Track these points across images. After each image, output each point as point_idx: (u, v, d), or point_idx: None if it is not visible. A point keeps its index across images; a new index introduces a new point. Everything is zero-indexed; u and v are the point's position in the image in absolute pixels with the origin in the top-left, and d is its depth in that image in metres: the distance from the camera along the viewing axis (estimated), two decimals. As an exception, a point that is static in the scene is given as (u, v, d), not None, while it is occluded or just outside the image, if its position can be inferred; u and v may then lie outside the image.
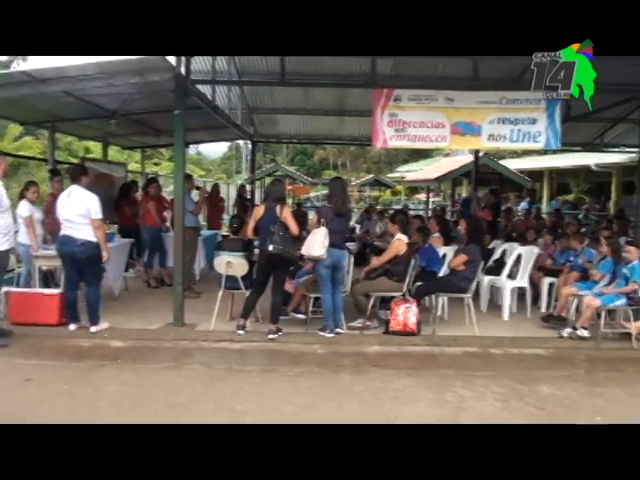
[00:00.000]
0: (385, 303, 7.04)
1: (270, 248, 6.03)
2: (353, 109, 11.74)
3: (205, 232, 10.64)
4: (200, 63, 8.62)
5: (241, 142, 28.34)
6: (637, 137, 7.72)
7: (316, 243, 6.19)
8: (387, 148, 18.47)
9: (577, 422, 4.39)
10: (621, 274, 6.74)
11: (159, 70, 6.39)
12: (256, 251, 6.80)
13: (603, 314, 6.54)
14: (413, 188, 32.67)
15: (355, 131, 14.29)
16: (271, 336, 6.29)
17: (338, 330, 6.52)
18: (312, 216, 6.79)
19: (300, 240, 6.42)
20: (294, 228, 6.23)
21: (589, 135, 14.05)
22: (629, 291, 6.60)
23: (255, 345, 6.15)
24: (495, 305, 7.98)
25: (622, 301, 6.63)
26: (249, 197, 15.02)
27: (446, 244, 8.29)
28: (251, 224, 6.43)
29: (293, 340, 6.33)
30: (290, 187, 28.23)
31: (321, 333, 6.44)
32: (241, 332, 6.39)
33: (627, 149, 14.27)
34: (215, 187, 12.77)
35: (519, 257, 7.90)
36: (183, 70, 6.84)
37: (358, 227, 14.22)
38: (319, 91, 10.56)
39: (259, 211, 6.42)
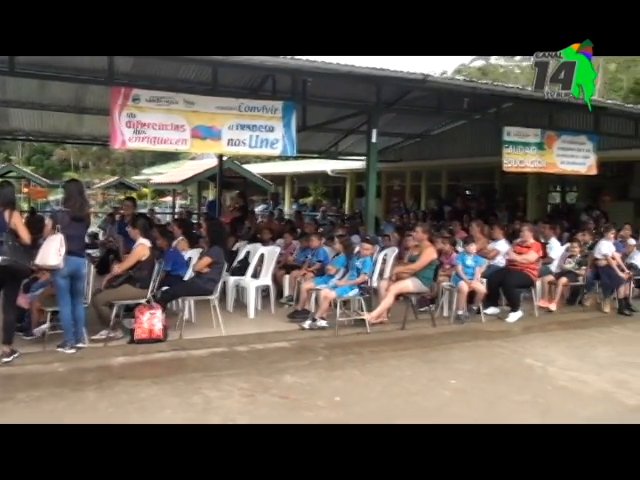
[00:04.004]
0: (130, 311, 6.80)
1: (-2, 260, 5.39)
2: (93, 107, 11.11)
3: None
4: None
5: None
6: (365, 147, 8.58)
7: (51, 251, 5.67)
8: (132, 150, 17.92)
9: (318, 405, 4.76)
10: (354, 267, 7.43)
11: None
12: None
13: (339, 304, 7.13)
14: (160, 191, 32.04)
15: (96, 130, 13.51)
16: (5, 359, 5.57)
17: (80, 345, 6.07)
18: (48, 221, 6.23)
19: (36, 249, 5.87)
20: (25, 236, 5.60)
21: (325, 144, 15.30)
22: (360, 282, 7.32)
23: (-14, 372, 5.43)
24: (241, 304, 8.20)
25: (355, 292, 7.33)
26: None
27: (192, 247, 8.29)
28: (-25, 233, 5.66)
29: (30, 361, 5.71)
30: (26, 190, 25.89)
31: (61, 350, 5.93)
32: (-32, 359, 5.56)
33: (358, 157, 15.77)
34: None
35: (262, 257, 8.24)
36: None
37: (101, 232, 13.55)
38: (56, 85, 9.74)
39: (-17, 218, 5.67)
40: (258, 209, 19.97)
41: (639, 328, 8.09)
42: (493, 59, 47.16)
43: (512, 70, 46.24)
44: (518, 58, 46.20)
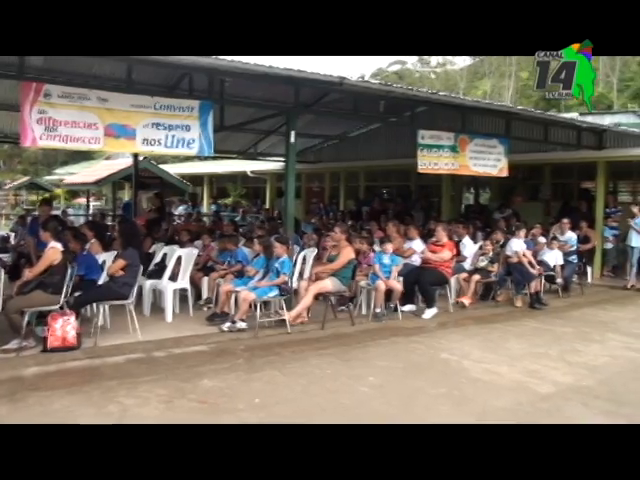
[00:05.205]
0: (43, 318, 6.51)
1: None
2: (3, 102, 10.55)
3: None
4: None
5: None
6: (285, 148, 8.61)
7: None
8: (44, 148, 17.19)
9: (238, 408, 4.72)
10: (273, 268, 7.43)
11: None
12: None
13: (259, 305, 7.11)
14: (73, 192, 30.84)
15: (6, 127, 12.85)
16: None
17: (-10, 356, 5.80)
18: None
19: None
20: None
21: (244, 144, 15.23)
22: (280, 283, 7.33)
23: None
24: (159, 308, 8.04)
25: (275, 293, 7.34)
26: None
27: (105, 250, 8.03)
28: None
29: (-61, 374, 5.39)
30: None
31: (-29, 362, 5.65)
32: None
33: (278, 158, 15.79)
34: None
35: (180, 259, 8.10)
36: None
37: (12, 236, 12.94)
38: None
39: None
40: (178, 210, 19.58)
41: (549, 321, 8.52)
42: (410, 64, 48.46)
43: (427, 75, 47.68)
44: (433, 64, 47.75)
